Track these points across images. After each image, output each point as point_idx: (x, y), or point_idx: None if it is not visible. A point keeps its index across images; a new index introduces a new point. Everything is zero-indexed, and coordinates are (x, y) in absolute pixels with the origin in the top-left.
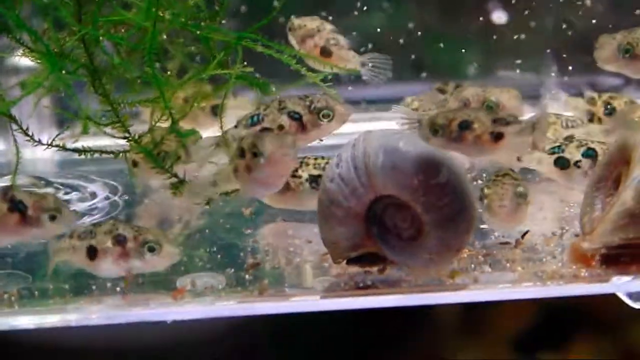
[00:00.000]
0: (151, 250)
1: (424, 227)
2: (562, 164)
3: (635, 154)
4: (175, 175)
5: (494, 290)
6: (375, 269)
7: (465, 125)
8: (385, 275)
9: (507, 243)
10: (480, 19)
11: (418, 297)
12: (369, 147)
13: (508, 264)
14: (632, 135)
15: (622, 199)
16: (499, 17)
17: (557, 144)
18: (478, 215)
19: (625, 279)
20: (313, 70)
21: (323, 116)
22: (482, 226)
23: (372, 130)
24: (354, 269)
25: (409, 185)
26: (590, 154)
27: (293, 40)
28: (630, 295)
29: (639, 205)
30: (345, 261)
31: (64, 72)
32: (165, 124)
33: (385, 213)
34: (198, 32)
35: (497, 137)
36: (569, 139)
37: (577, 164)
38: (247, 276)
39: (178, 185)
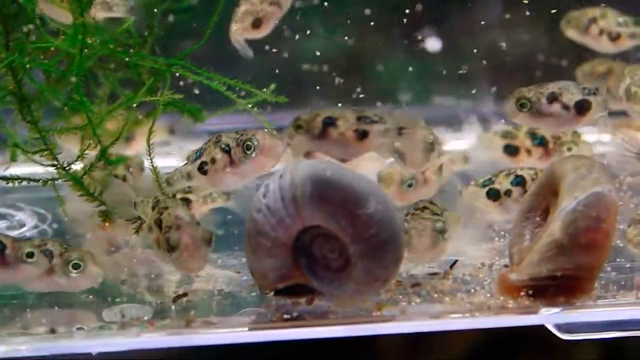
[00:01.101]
0: (76, 267)
1: (352, 258)
2: (493, 195)
3: (563, 185)
4: (104, 203)
5: (421, 322)
6: (303, 300)
7: (329, 122)
8: (313, 307)
9: (436, 274)
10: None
11: (345, 329)
12: (297, 177)
13: (436, 295)
14: (560, 167)
15: (550, 230)
16: (433, 44)
17: (488, 177)
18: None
19: (554, 310)
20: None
21: (247, 148)
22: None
23: (300, 161)
24: (282, 300)
25: (336, 215)
26: (519, 181)
27: None
28: (559, 327)
29: (567, 237)
30: (273, 292)
31: None
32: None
33: (313, 244)
34: (127, 59)
35: (362, 135)
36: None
37: (507, 193)
38: (173, 307)
39: (107, 213)
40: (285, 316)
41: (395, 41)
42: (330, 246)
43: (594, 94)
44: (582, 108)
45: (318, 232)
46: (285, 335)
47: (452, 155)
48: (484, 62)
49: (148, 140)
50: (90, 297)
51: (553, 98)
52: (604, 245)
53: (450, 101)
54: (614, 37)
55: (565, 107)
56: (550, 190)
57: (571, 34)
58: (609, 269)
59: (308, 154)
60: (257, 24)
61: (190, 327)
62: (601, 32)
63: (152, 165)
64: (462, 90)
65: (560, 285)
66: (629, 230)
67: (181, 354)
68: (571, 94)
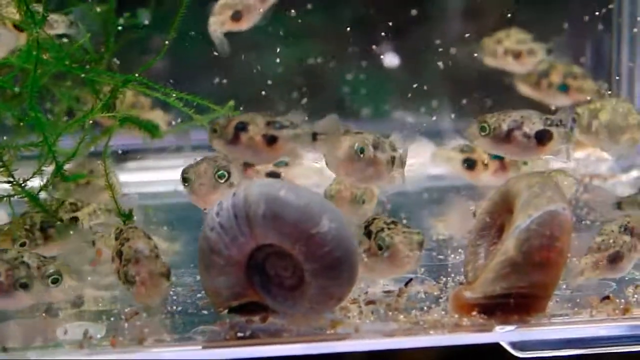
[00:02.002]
0: (54, 282)
1: (305, 276)
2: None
3: (518, 202)
4: (61, 220)
5: (375, 340)
6: (257, 318)
7: (241, 127)
8: (267, 325)
9: (390, 292)
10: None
11: (299, 347)
12: (250, 195)
13: (390, 313)
14: (514, 185)
15: (504, 248)
16: (391, 60)
17: None
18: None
19: (508, 328)
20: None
21: (219, 177)
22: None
23: (253, 179)
24: (236, 318)
25: (290, 234)
26: None
27: None
28: (514, 345)
29: (521, 255)
30: (227, 310)
31: None
32: None
33: (267, 262)
34: (83, 75)
35: (271, 140)
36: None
37: None
38: (126, 325)
39: (63, 229)
40: (239, 334)
41: (354, 56)
42: (284, 264)
43: (557, 125)
44: (542, 138)
45: (272, 250)
46: (239, 354)
47: None
48: (441, 78)
49: (104, 158)
50: (44, 314)
51: (514, 126)
52: (558, 263)
53: (405, 116)
54: (517, 56)
55: (526, 135)
56: (505, 208)
57: (488, 60)
58: (564, 286)
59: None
60: (237, 17)
61: (143, 345)
62: (505, 52)
63: (109, 182)
64: (417, 106)
65: (514, 303)
66: (582, 260)
67: None
68: (532, 123)
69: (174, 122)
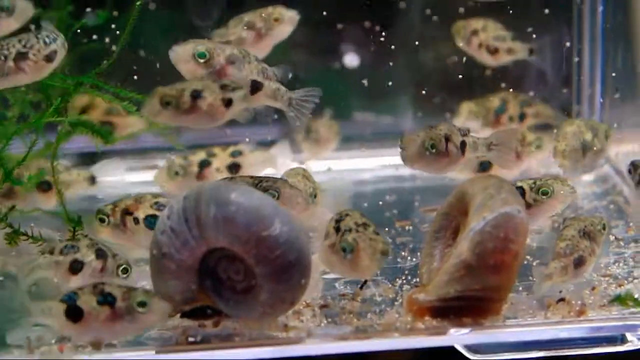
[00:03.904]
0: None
1: (257, 280)
2: None
3: (473, 204)
4: (10, 225)
5: (329, 344)
6: (209, 322)
7: (197, 94)
8: (219, 329)
9: (345, 295)
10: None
11: (251, 352)
12: (201, 198)
13: (344, 316)
14: (470, 187)
15: (458, 250)
16: (352, 60)
17: None
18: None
19: (463, 330)
20: None
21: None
22: (324, 276)
23: (204, 182)
24: (188, 322)
25: (241, 237)
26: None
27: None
28: (469, 348)
29: (475, 257)
30: (179, 315)
31: None
32: None
33: (218, 266)
34: None
35: (228, 103)
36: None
37: None
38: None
39: (12, 235)
40: (191, 339)
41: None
42: (236, 268)
43: (465, 134)
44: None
45: (223, 254)
46: (191, 358)
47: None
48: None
49: (52, 162)
50: None
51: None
52: (512, 266)
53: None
54: (492, 51)
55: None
56: (460, 210)
57: (460, 44)
58: (520, 288)
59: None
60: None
61: (95, 349)
62: (480, 45)
63: (58, 189)
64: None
65: (468, 306)
66: (550, 265)
67: None
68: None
69: None
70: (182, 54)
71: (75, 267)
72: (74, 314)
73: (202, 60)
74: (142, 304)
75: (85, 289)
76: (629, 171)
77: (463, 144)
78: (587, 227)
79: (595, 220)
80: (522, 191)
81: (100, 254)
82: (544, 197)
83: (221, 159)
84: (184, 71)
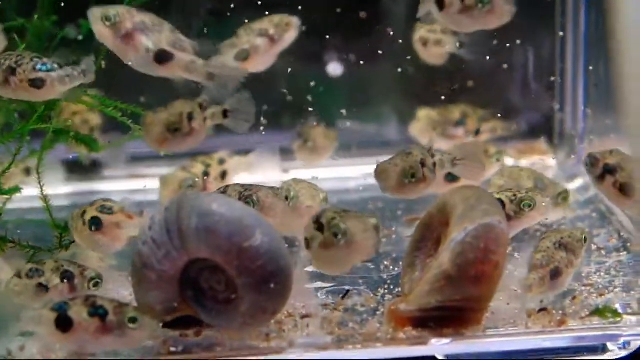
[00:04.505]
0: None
1: (239, 290)
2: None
3: (454, 215)
4: None
5: (310, 354)
6: (191, 332)
7: (11, 70)
8: (201, 339)
9: (327, 305)
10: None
11: None
12: (182, 209)
13: (325, 326)
14: (451, 197)
15: (439, 261)
16: (335, 68)
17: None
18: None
19: (444, 341)
20: None
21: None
22: (306, 286)
23: (185, 193)
24: (170, 333)
25: (222, 248)
26: None
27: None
28: (450, 358)
29: (456, 268)
30: (161, 325)
31: None
32: None
33: (200, 276)
34: None
35: (38, 83)
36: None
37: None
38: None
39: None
40: (172, 349)
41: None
42: (217, 279)
43: (433, 155)
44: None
45: (205, 264)
46: None
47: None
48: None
49: (38, 170)
50: None
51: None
52: (493, 276)
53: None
54: (424, 44)
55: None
56: (441, 221)
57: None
58: (501, 298)
59: None
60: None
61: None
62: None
63: (43, 195)
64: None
65: (449, 316)
66: (529, 277)
67: None
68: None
69: None
70: (95, 16)
71: (40, 291)
72: (64, 323)
73: (108, 24)
74: (133, 320)
75: (77, 300)
76: (586, 164)
77: (434, 165)
78: (564, 239)
79: (575, 233)
80: (501, 203)
81: (66, 275)
82: (527, 209)
83: (214, 168)
84: (96, 33)
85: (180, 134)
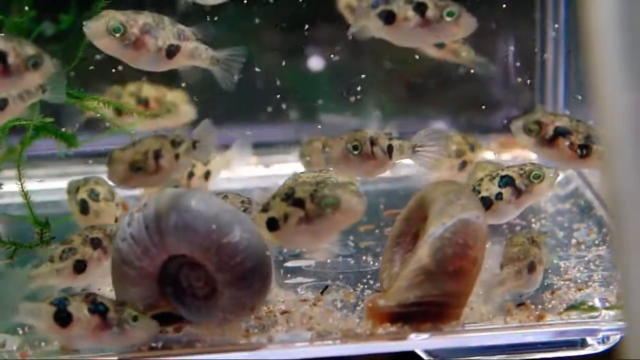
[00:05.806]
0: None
1: (218, 286)
2: (485, 203)
3: (432, 210)
4: None
5: (289, 349)
6: (171, 328)
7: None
8: (181, 335)
9: (306, 300)
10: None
11: (212, 357)
12: (161, 206)
13: (305, 321)
14: (430, 192)
15: (417, 256)
16: (317, 63)
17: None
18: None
19: (423, 336)
20: None
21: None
22: (286, 281)
23: (164, 189)
24: None
25: (201, 244)
26: (507, 181)
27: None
28: (429, 353)
29: (434, 263)
30: None
31: None
32: None
33: (179, 272)
34: None
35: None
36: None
37: (498, 196)
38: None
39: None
40: (152, 345)
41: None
42: (197, 275)
43: (391, 138)
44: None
45: (184, 261)
46: None
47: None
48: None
49: (18, 167)
50: None
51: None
52: (471, 271)
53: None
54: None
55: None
56: (420, 216)
57: None
58: (480, 292)
59: None
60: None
61: (56, 355)
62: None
63: (24, 192)
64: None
65: (427, 311)
66: (504, 270)
67: None
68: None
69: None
70: (96, 30)
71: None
72: (63, 318)
73: (117, 35)
74: (134, 319)
75: (77, 297)
76: (528, 130)
77: (390, 148)
78: (534, 237)
79: (534, 235)
80: (510, 179)
81: (94, 243)
82: (536, 180)
83: (199, 168)
84: (100, 46)
85: (143, 172)
